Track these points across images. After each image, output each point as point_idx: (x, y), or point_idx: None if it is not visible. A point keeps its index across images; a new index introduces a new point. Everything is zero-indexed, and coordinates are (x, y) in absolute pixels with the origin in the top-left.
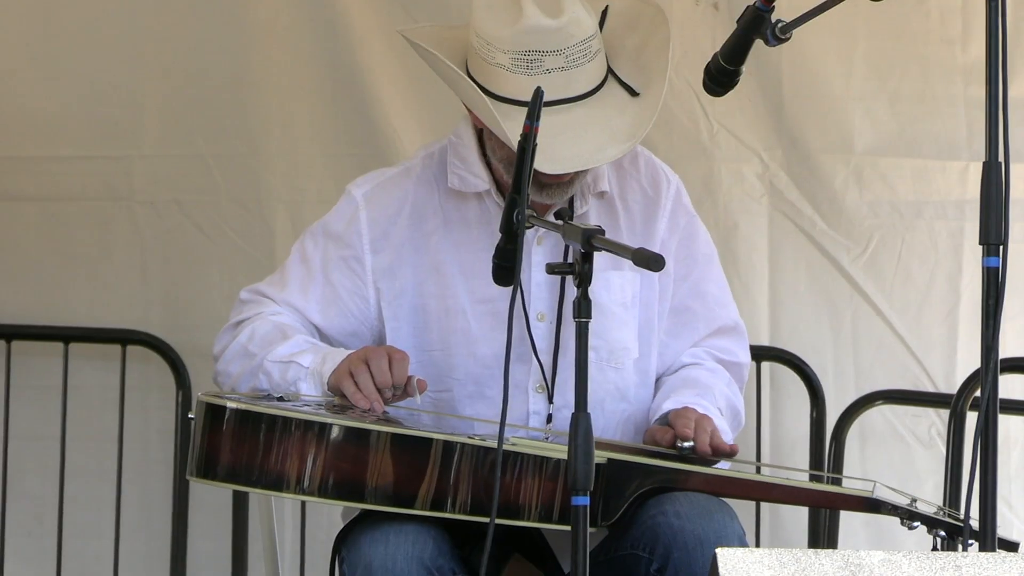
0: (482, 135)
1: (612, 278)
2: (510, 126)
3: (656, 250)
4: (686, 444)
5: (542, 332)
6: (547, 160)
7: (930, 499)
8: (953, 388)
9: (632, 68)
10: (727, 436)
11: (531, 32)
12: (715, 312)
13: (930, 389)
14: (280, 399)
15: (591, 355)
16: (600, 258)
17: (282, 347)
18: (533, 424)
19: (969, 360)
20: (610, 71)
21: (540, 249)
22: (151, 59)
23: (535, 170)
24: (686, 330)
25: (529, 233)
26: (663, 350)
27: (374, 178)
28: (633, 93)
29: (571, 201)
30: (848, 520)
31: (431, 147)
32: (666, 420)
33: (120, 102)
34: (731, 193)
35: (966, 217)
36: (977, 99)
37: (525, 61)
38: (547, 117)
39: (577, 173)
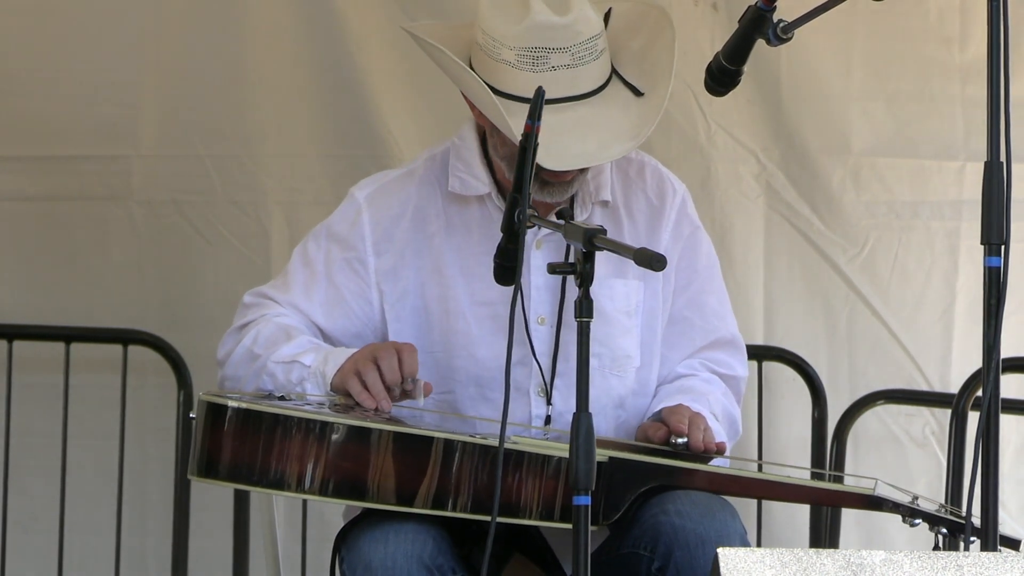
0: (485, 137)
1: (616, 286)
2: (515, 122)
3: None
4: (680, 440)
5: (542, 335)
6: (552, 157)
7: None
8: (948, 388)
9: (637, 70)
10: (720, 436)
11: (538, 29)
12: (712, 324)
13: (925, 388)
14: (282, 398)
15: (593, 362)
16: (604, 266)
17: (286, 348)
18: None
19: (964, 360)
20: (614, 71)
21: (539, 253)
22: (149, 60)
23: (538, 168)
24: (682, 340)
25: (528, 237)
26: (660, 360)
27: (376, 180)
28: (637, 93)
29: (572, 208)
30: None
31: (434, 150)
32: (659, 417)
33: (118, 103)
34: (728, 193)
35: (962, 217)
36: (974, 99)
37: (531, 57)
38: (552, 115)
39: (579, 172)
